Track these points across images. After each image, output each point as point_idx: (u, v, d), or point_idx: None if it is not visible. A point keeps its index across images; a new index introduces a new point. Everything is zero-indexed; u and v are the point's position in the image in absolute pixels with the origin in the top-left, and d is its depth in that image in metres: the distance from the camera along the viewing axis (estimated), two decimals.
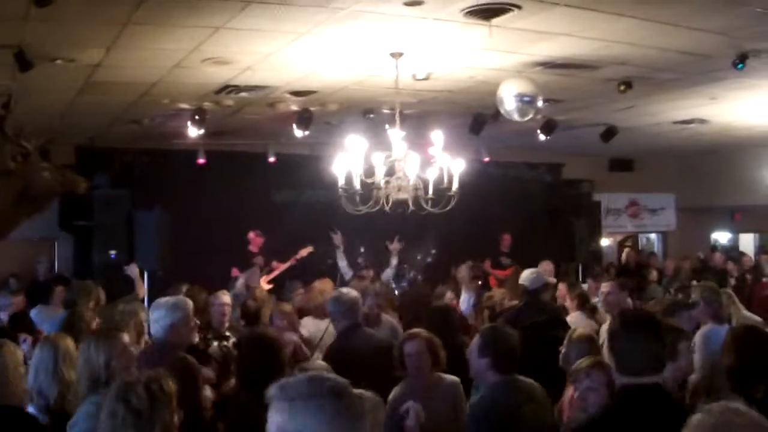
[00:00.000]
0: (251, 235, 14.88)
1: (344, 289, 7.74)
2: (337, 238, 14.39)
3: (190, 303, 6.78)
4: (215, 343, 8.00)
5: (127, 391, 3.80)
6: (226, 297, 8.63)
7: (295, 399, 2.69)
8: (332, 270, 14.27)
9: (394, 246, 14.38)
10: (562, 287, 11.18)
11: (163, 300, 6.69)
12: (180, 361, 6.22)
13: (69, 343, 5.72)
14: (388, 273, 14.08)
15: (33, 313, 10.32)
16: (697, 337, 7.30)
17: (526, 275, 9.31)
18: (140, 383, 3.82)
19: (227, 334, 8.22)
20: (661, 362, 4.20)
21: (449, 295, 11.15)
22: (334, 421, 2.66)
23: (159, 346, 6.31)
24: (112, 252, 13.61)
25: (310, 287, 10.72)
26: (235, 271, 14.15)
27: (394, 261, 14.34)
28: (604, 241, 19.92)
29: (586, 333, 6.65)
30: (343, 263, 14.21)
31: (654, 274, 16.04)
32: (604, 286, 9.71)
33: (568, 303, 10.26)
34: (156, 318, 6.44)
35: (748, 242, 22.39)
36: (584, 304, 9.88)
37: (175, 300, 6.68)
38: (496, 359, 5.52)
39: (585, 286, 11.78)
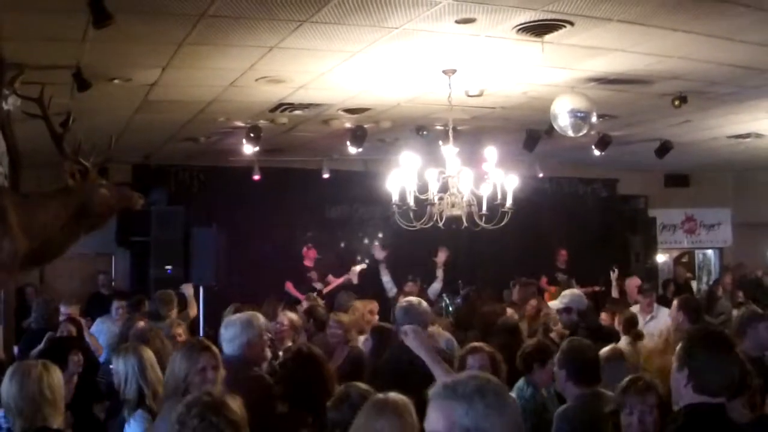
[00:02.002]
0: (305, 249, 14.97)
1: (414, 299, 7.48)
2: (379, 253, 14.43)
3: (262, 319, 6.79)
4: (264, 364, 8.00)
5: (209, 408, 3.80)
6: (284, 318, 8.65)
7: (470, 397, 2.91)
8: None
9: (440, 258, 14.36)
10: (606, 317, 11.01)
11: (235, 317, 6.60)
12: (257, 379, 6.21)
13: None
14: (435, 287, 14.03)
15: (94, 325, 10.51)
16: None
17: (574, 296, 9.11)
18: (224, 401, 3.83)
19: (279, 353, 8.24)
20: (736, 387, 4.16)
21: (509, 311, 10.97)
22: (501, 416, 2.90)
23: (233, 363, 6.23)
24: (168, 267, 13.80)
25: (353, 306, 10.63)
26: (289, 285, 14.27)
27: (440, 274, 14.31)
28: (660, 257, 19.74)
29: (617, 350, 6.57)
30: (386, 278, 14.21)
31: (720, 290, 15.73)
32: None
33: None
34: (231, 336, 6.29)
35: None
36: (629, 330, 9.58)
37: (248, 317, 6.58)
38: (574, 371, 5.69)
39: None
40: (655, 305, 11.53)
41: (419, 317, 7.01)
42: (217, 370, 5.35)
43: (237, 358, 6.20)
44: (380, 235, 15.17)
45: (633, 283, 13.33)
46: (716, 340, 4.30)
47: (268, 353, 7.17)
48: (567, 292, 8.94)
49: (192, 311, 11.12)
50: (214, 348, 5.63)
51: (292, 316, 9.15)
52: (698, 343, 4.25)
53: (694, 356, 4.18)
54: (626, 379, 5.13)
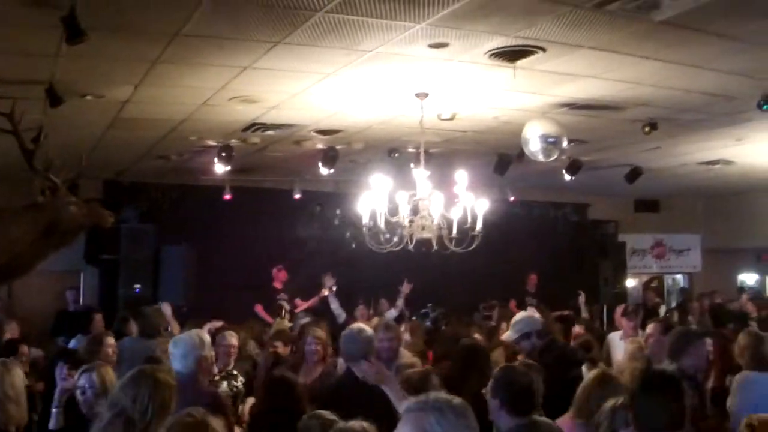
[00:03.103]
0: (274, 270, 14.93)
1: (356, 326, 7.12)
2: (328, 279, 14.47)
3: (208, 336, 6.87)
4: (224, 383, 7.95)
5: None
6: (233, 339, 8.60)
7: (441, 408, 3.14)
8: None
9: (405, 288, 14.47)
10: (579, 329, 11.00)
11: (185, 335, 6.72)
12: (211, 395, 6.31)
13: None
14: (391, 314, 14.06)
15: (73, 343, 10.42)
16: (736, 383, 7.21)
17: (527, 320, 8.37)
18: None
19: (234, 372, 8.19)
20: (678, 424, 4.22)
21: (476, 336, 10.88)
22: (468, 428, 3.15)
23: (186, 380, 6.17)
24: (137, 286, 13.73)
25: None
26: (258, 308, 14.24)
27: (400, 303, 14.41)
28: (630, 282, 19.83)
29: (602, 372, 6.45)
30: (335, 305, 14.24)
31: (676, 316, 15.65)
32: (649, 328, 9.10)
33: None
34: (184, 353, 6.41)
35: None
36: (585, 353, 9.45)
37: (198, 334, 6.70)
38: (508, 399, 5.33)
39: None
40: (641, 331, 10.83)
41: (362, 346, 6.72)
42: None
43: (188, 374, 6.29)
44: (359, 261, 15.10)
45: (620, 310, 12.12)
46: (657, 381, 4.38)
47: (215, 369, 7.24)
48: (517, 318, 8.33)
49: (175, 329, 11.07)
50: None
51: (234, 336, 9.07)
52: (641, 384, 4.36)
53: (638, 397, 4.28)
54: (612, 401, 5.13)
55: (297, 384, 6.61)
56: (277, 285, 14.81)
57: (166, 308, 11.58)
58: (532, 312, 9.77)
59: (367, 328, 7.11)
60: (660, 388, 4.27)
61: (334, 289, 14.70)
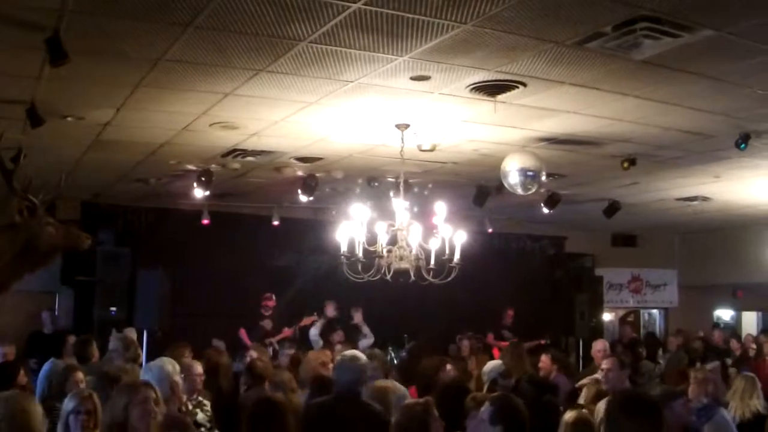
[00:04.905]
0: (263, 297, 14.88)
1: (348, 354, 7.16)
2: (331, 311, 14.49)
3: (177, 364, 6.81)
4: (199, 412, 7.85)
5: None
6: (200, 367, 8.52)
7: None
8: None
9: (357, 318, 14.57)
10: (545, 359, 10.98)
11: (158, 362, 6.65)
12: (183, 424, 6.22)
13: None
14: (364, 343, 14.02)
15: (46, 367, 10.31)
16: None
17: (491, 367, 9.03)
18: None
19: (204, 401, 8.10)
20: None
21: (449, 367, 10.70)
22: None
23: None
24: (113, 309, 13.62)
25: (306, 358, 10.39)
26: (242, 332, 14.19)
27: (366, 330, 14.47)
28: (606, 316, 19.83)
29: (582, 416, 6.45)
30: (314, 330, 14.23)
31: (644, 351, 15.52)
32: (605, 363, 9.04)
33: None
34: (159, 378, 6.31)
35: (751, 320, 22.27)
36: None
37: (169, 360, 6.63)
38: (509, 428, 5.29)
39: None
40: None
41: (356, 373, 6.85)
42: (158, 404, 5.41)
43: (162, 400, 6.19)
44: (336, 289, 15.09)
45: (597, 346, 11.54)
46: (635, 404, 4.33)
47: (184, 396, 7.16)
48: (484, 370, 8.93)
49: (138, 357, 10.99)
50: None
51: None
52: (617, 407, 4.30)
53: (612, 421, 4.24)
54: None
55: (289, 410, 6.34)
56: (264, 312, 14.75)
57: (131, 333, 11.48)
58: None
59: (361, 355, 7.17)
60: (638, 413, 4.22)
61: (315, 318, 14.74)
